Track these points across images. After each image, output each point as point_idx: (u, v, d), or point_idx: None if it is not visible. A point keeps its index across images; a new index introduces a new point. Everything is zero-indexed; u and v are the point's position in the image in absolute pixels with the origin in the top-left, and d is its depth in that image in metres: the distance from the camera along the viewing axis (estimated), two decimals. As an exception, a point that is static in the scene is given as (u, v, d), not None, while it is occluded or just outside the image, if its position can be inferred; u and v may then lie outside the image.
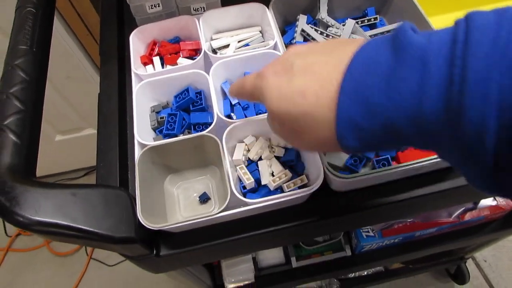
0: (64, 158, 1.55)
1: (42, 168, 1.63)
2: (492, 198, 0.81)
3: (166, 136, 0.51)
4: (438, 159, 0.43)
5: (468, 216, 0.81)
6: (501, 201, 0.81)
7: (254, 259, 0.90)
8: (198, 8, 0.60)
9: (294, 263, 0.89)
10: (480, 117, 0.22)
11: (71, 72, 1.16)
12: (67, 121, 1.37)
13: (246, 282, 0.89)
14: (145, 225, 0.41)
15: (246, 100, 0.43)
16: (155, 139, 0.52)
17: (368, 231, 0.81)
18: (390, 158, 0.46)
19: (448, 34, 0.24)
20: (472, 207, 0.81)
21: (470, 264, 1.34)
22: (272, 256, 0.90)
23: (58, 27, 1.01)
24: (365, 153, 0.34)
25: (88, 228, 0.38)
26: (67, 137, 1.45)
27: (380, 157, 0.47)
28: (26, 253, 1.53)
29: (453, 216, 0.81)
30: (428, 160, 0.43)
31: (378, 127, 0.26)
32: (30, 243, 1.54)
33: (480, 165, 0.23)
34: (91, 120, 1.40)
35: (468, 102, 0.22)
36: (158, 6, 0.59)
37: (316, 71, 0.29)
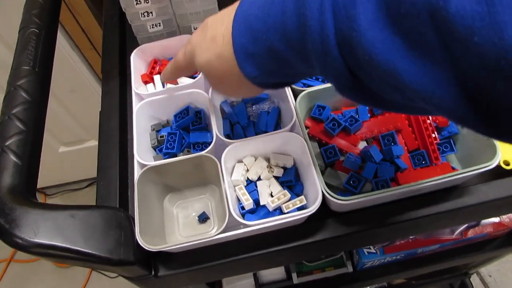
0: (67, 169, 1.56)
1: (46, 179, 1.64)
2: (494, 215, 0.81)
3: (166, 155, 0.51)
4: (437, 181, 0.43)
5: (471, 233, 0.80)
6: (504, 218, 0.80)
7: (255, 275, 0.90)
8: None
9: (295, 280, 0.88)
10: (319, 26, 0.24)
11: (75, 85, 1.18)
12: (71, 133, 1.39)
13: (247, 298, 0.89)
14: (143, 246, 0.41)
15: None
16: (155, 158, 0.52)
17: (369, 248, 0.81)
18: (388, 180, 0.46)
19: None
20: (475, 224, 0.81)
21: (474, 279, 1.32)
22: (273, 272, 0.90)
23: (62, 41, 1.02)
24: (275, 83, 0.36)
25: (86, 251, 0.39)
26: (71, 149, 1.46)
27: (379, 179, 0.47)
28: (29, 264, 1.53)
29: (456, 233, 0.80)
30: (426, 182, 0.43)
31: (264, 51, 0.30)
32: (32, 254, 1.54)
33: (342, 77, 0.26)
34: (94, 132, 1.40)
35: (309, 14, 0.25)
36: (159, 25, 0.59)
37: (223, 19, 0.34)
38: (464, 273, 1.10)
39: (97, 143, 1.54)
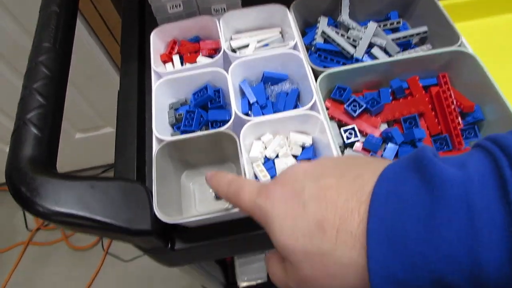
0: (83, 155, 1.58)
1: (62, 165, 1.66)
2: None
3: (184, 132, 0.51)
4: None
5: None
6: None
7: (268, 260, 0.90)
8: (218, 9, 0.61)
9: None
10: None
11: (92, 72, 1.19)
12: (87, 120, 1.40)
13: (259, 281, 0.89)
14: (160, 218, 0.41)
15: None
16: (172, 135, 0.52)
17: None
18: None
19: (483, 162, 0.21)
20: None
21: None
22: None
23: (80, 28, 1.03)
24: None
25: (105, 220, 0.39)
26: (87, 135, 1.48)
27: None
28: (46, 247, 1.56)
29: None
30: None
31: (425, 282, 0.21)
32: (49, 237, 1.58)
33: None
34: (110, 119, 1.42)
35: None
36: (179, 6, 0.59)
37: (331, 197, 0.25)
38: None
39: (112, 129, 1.55)
